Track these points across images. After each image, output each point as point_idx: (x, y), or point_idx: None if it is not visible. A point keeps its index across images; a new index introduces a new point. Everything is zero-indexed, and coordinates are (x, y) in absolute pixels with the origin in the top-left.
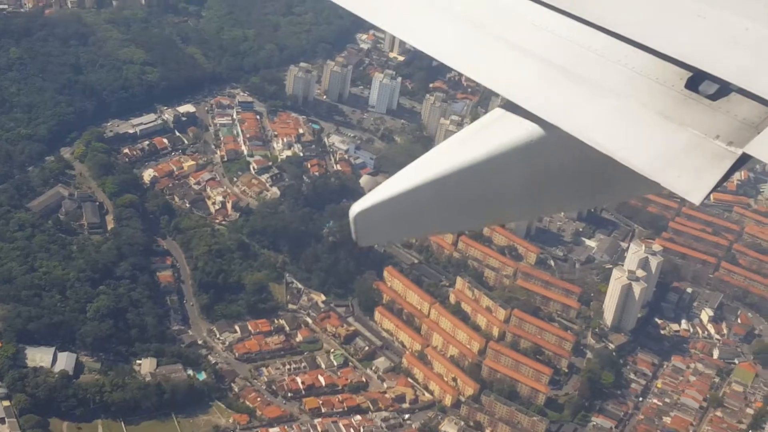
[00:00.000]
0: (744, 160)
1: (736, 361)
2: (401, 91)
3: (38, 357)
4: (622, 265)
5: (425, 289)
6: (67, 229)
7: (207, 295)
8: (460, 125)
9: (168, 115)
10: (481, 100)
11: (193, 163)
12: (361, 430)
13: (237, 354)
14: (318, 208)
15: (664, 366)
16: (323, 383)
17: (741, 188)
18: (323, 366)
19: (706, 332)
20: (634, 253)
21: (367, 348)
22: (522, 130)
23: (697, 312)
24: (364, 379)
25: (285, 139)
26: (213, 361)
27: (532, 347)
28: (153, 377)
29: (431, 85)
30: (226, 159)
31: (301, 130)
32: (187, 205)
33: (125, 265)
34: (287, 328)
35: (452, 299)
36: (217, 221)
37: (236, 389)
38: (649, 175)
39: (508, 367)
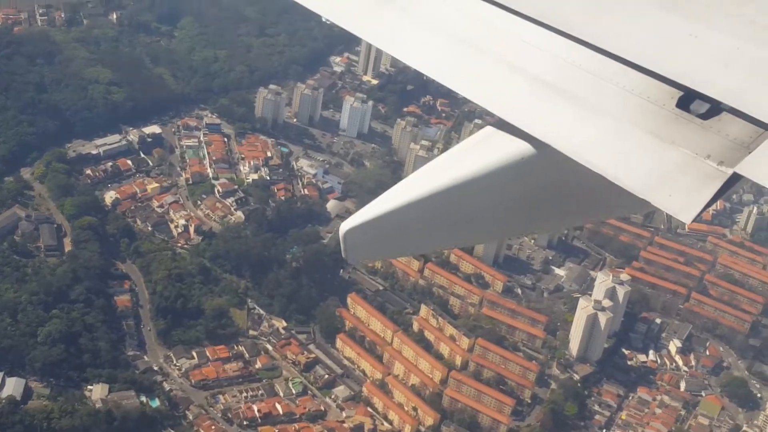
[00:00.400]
0: (735, 180)
1: (703, 393)
2: (374, 115)
3: None
4: (590, 295)
5: (389, 317)
6: (22, 251)
7: (165, 320)
8: (430, 150)
9: (133, 136)
10: (455, 125)
11: (156, 185)
12: None
13: (193, 381)
14: (282, 232)
15: (630, 397)
16: (280, 411)
17: (716, 218)
18: (281, 394)
19: (673, 364)
20: (601, 282)
21: (327, 376)
22: (513, 148)
23: (666, 343)
24: (322, 408)
25: (252, 162)
26: (168, 388)
27: (495, 377)
28: (104, 404)
29: (405, 110)
30: (191, 182)
31: (269, 153)
32: (149, 228)
33: (80, 289)
34: (246, 355)
35: (416, 327)
36: (179, 245)
37: (191, 417)
38: (640, 195)
39: (470, 397)
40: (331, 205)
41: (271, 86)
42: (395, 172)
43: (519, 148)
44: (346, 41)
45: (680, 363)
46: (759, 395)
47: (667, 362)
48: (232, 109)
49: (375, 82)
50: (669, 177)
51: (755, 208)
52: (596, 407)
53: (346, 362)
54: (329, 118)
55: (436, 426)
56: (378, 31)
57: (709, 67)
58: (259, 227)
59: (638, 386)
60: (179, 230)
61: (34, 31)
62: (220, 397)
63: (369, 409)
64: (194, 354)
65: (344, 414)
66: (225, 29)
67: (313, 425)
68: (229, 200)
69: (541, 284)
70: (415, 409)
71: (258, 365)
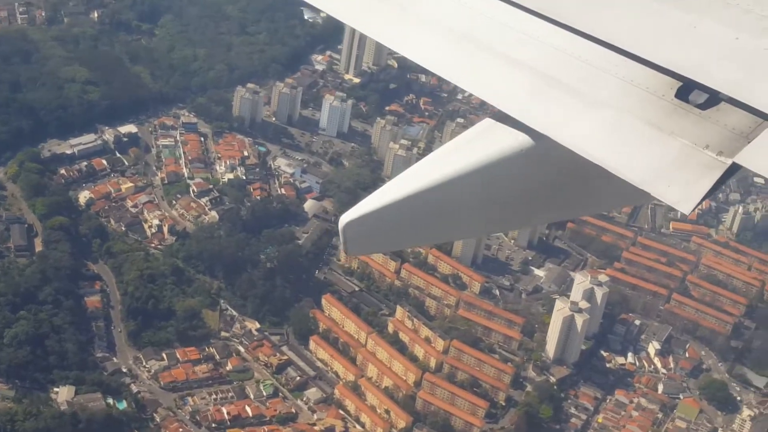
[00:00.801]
0: (734, 170)
1: (681, 396)
2: (355, 114)
3: None
4: (568, 296)
5: (363, 318)
6: None
7: (135, 322)
8: (410, 149)
9: (108, 135)
10: (438, 124)
11: (131, 185)
12: None
13: (162, 383)
14: (257, 232)
15: (607, 400)
16: (250, 414)
17: (702, 218)
18: (252, 396)
19: (652, 366)
20: (579, 283)
21: (298, 378)
22: (512, 140)
23: (645, 345)
24: (293, 410)
25: (228, 162)
26: (136, 390)
27: (470, 379)
28: (69, 406)
29: (387, 108)
30: (166, 181)
31: (245, 153)
32: (123, 228)
33: (49, 290)
34: (217, 357)
35: (391, 329)
36: (153, 245)
37: (158, 419)
38: (640, 185)
39: (444, 399)
40: (309, 204)
41: (249, 85)
42: (374, 171)
43: (518, 140)
44: (328, 40)
45: (659, 365)
46: (739, 398)
47: (646, 364)
48: (209, 108)
49: (357, 80)
50: (668, 168)
51: (741, 208)
52: (572, 410)
53: (319, 364)
54: (309, 117)
55: (408, 429)
56: (378, 26)
57: (708, 57)
58: (233, 227)
59: (616, 389)
60: (153, 230)
61: (12, 30)
62: (189, 399)
63: (341, 412)
64: (164, 356)
65: (315, 416)
66: (206, 27)
67: (283, 428)
68: (204, 200)
69: (519, 285)
70: (387, 411)
71: (229, 367)
